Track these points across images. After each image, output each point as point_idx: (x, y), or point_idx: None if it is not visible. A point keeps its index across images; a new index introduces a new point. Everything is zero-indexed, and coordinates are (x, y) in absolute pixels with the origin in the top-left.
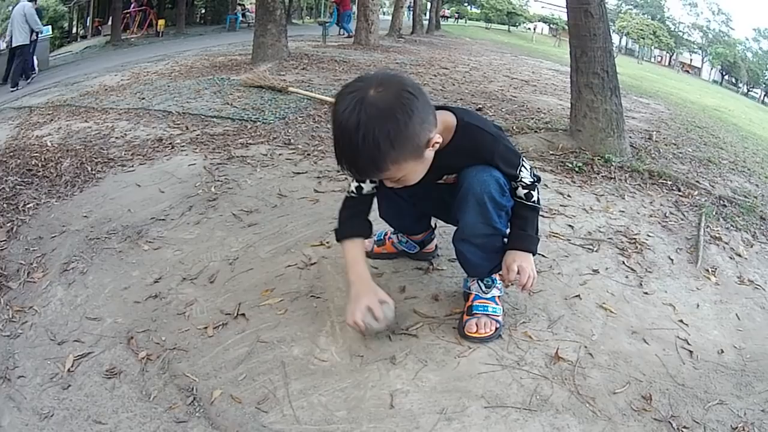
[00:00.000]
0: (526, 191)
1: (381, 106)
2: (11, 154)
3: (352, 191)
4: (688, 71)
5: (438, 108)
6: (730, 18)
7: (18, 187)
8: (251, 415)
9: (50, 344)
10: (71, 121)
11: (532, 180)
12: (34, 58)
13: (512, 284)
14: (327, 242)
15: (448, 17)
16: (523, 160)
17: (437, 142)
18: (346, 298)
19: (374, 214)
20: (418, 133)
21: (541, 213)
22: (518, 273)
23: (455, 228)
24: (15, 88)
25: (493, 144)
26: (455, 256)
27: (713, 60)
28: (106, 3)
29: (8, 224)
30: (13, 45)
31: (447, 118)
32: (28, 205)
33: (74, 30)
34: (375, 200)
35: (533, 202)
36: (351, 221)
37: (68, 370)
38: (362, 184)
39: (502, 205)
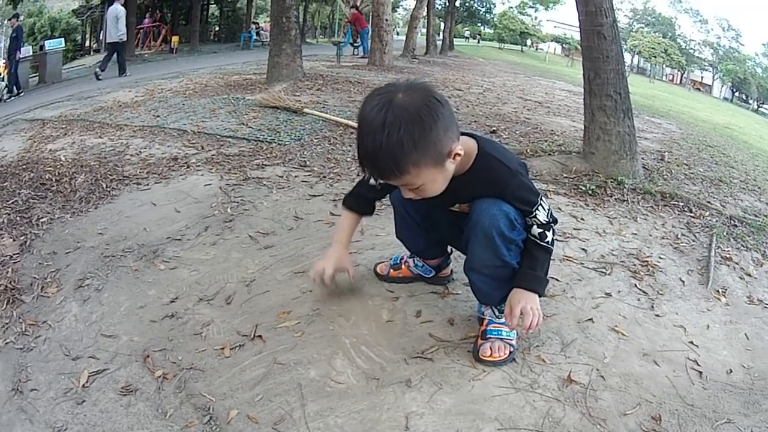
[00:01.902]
0: (540, 231)
1: (408, 108)
2: (24, 166)
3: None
4: (699, 89)
5: (462, 133)
6: (740, 34)
7: (31, 200)
8: None
9: (64, 359)
10: (85, 135)
11: (548, 220)
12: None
13: (518, 327)
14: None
15: (467, 38)
16: (541, 199)
17: (459, 154)
18: (359, 315)
19: (391, 236)
20: (442, 139)
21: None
22: (522, 315)
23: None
24: (100, 75)
25: (510, 178)
26: None
27: (724, 77)
28: None
29: (21, 237)
30: (108, 41)
31: (469, 144)
32: (41, 220)
33: (87, 43)
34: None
35: (546, 242)
36: (359, 198)
37: (83, 385)
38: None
39: (512, 239)
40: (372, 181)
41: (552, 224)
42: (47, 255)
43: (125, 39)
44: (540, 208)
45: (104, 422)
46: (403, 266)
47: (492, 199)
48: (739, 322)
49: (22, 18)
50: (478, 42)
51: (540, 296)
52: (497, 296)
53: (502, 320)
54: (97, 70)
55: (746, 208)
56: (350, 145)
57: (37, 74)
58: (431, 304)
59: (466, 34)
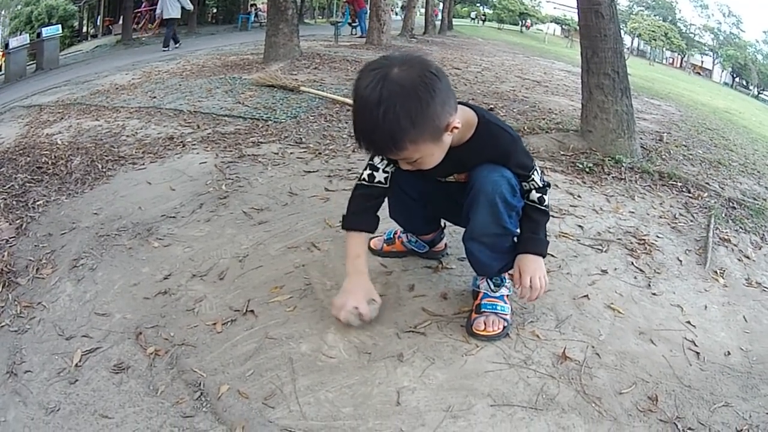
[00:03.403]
0: (539, 195)
1: (404, 84)
2: (21, 151)
3: (364, 179)
4: (699, 73)
5: (459, 103)
6: (741, 20)
7: (28, 184)
8: (258, 410)
9: (58, 339)
10: (82, 119)
11: (543, 184)
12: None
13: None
14: (338, 229)
15: (473, 18)
16: (535, 163)
17: (456, 127)
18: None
19: (384, 213)
20: (439, 114)
21: (551, 214)
22: (531, 286)
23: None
24: (166, 49)
25: (512, 145)
26: (465, 255)
27: (724, 62)
28: (116, 2)
29: (18, 221)
30: (165, 17)
31: (468, 115)
32: (37, 203)
33: (85, 29)
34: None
35: (545, 206)
36: (359, 214)
37: (76, 365)
38: (375, 173)
39: (513, 205)
40: (366, 174)
41: (547, 188)
42: (43, 237)
43: (179, 16)
44: (535, 171)
45: (96, 401)
46: (396, 241)
47: (492, 165)
48: (737, 304)
49: (19, 7)
50: (483, 23)
51: (543, 257)
52: (495, 267)
53: (498, 294)
54: (163, 48)
55: (745, 191)
56: (346, 122)
57: (34, 61)
58: (425, 278)
59: (472, 15)
